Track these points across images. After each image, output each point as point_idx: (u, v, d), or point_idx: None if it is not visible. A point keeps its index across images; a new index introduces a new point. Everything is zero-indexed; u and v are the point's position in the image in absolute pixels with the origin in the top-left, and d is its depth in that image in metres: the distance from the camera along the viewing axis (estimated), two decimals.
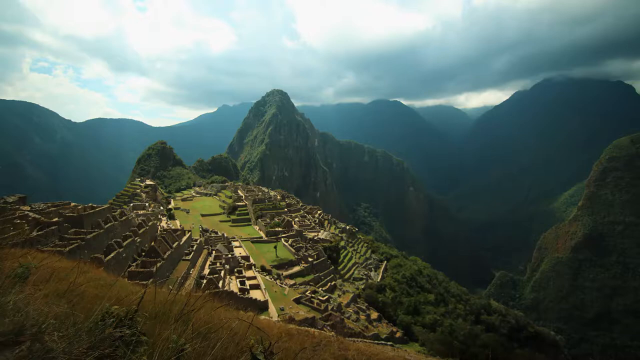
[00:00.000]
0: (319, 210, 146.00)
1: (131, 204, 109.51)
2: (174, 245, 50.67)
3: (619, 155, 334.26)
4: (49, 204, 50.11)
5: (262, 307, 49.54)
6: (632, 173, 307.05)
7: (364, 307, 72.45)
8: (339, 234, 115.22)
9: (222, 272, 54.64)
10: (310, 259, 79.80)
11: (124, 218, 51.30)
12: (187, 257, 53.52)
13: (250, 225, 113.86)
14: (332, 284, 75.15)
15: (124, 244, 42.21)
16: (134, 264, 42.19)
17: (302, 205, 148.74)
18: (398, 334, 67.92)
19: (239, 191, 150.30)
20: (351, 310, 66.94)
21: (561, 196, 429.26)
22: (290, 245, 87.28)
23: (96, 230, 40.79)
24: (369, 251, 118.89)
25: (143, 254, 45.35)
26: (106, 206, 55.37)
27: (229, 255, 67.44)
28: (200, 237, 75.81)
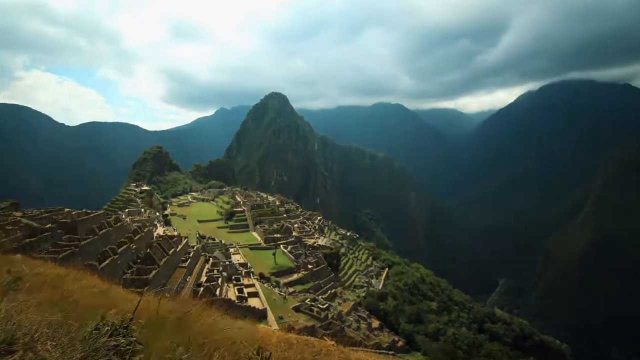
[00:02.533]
0: (319, 216, 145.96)
1: (126, 210, 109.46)
2: (170, 252, 50.62)
3: (626, 158, 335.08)
4: (42, 210, 50.08)
5: (261, 315, 49.43)
6: None
7: (365, 316, 72.27)
8: (340, 241, 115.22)
9: (220, 280, 54.52)
10: (310, 266, 79.70)
11: (119, 224, 51.29)
12: (183, 265, 53.47)
13: (248, 231, 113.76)
14: (332, 291, 75.02)
15: (119, 250, 42.19)
16: (129, 271, 42.16)
17: (301, 211, 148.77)
18: (400, 343, 67.72)
19: (236, 196, 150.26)
20: (352, 319, 66.79)
21: (567, 200, 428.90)
22: (290, 252, 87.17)
23: (90, 236, 40.78)
24: (370, 258, 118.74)
25: (138, 261, 45.30)
26: (101, 212, 55.41)
27: (227, 263, 67.34)
28: (197, 243, 75.76)
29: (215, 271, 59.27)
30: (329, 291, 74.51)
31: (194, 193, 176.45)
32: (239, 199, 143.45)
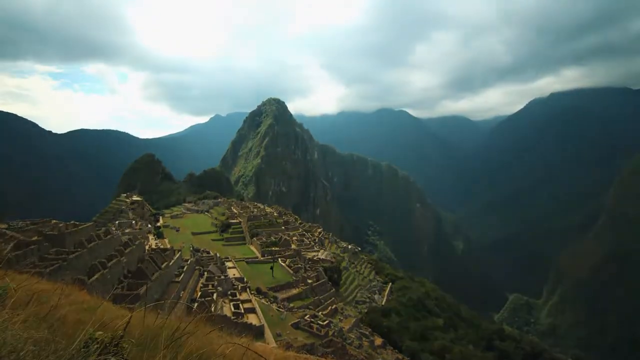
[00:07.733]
0: (319, 228, 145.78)
1: (117, 222, 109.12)
2: (163, 266, 50.44)
3: None
4: (28, 222, 50.00)
5: (258, 332, 49.10)
6: None
7: (367, 333, 71.89)
8: (341, 254, 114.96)
9: (215, 295, 54.27)
10: (309, 281, 79.37)
11: (108, 237, 51.16)
12: (177, 279, 53.25)
13: (244, 244, 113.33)
14: (333, 307, 74.63)
15: (109, 264, 42.01)
16: (119, 286, 41.94)
17: (300, 223, 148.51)
18: None
19: (232, 208, 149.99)
20: (353, 336, 66.39)
21: (580, 212, 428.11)
22: (288, 265, 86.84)
23: (79, 249, 40.64)
24: (373, 272, 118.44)
25: (129, 275, 45.10)
26: (90, 224, 55.31)
27: (222, 277, 67.03)
28: (191, 257, 75.40)
29: (210, 286, 59.00)
30: (330, 307, 74.13)
31: (187, 204, 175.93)
32: (234, 210, 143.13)
